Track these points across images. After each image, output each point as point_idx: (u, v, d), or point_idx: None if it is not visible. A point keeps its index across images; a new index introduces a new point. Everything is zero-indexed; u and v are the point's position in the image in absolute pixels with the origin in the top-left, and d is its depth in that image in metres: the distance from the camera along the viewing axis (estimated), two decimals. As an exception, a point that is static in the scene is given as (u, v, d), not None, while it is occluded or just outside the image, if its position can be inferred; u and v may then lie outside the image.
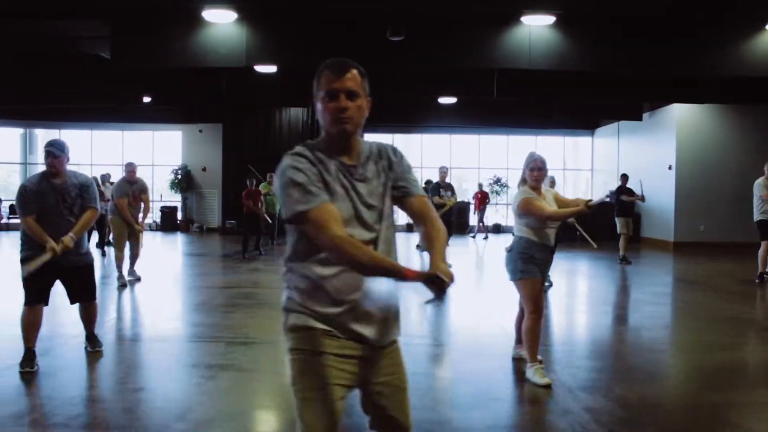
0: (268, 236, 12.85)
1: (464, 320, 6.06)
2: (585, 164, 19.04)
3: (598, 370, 4.44)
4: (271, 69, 11.60)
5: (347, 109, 1.77)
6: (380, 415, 1.91)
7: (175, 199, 18.15)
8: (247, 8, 8.86)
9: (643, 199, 10.30)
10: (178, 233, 17.18)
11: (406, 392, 1.94)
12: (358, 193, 1.81)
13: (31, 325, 4.14)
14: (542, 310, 4.05)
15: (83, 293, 4.48)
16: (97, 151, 18.17)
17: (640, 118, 15.02)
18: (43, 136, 18.23)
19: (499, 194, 18.47)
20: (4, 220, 17.16)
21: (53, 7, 8.73)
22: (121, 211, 7.76)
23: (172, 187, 17.80)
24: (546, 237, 4.04)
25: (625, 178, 11.23)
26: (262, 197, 11.83)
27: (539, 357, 4.04)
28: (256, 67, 11.33)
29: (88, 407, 3.56)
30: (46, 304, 4.22)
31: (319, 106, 1.82)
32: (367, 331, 1.80)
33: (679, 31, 9.27)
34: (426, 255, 1.84)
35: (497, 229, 18.32)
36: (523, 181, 4.15)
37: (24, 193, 4.10)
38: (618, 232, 10.73)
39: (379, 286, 1.78)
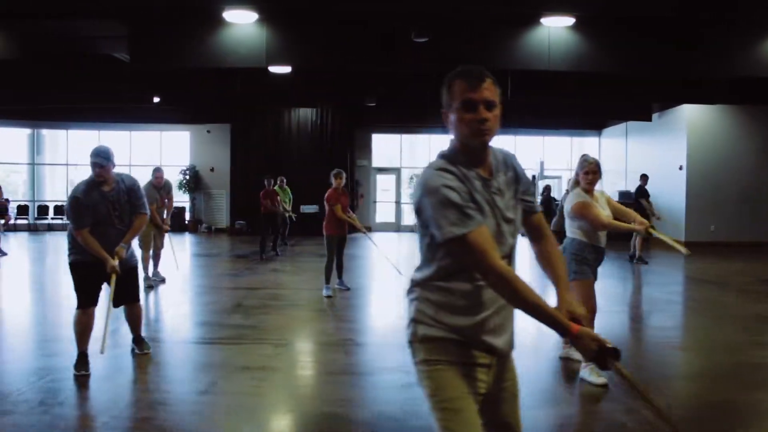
0: (281, 237, 12.83)
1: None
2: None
3: (643, 369, 4.47)
4: (285, 70, 11.61)
5: (487, 120, 1.75)
6: (497, 421, 1.93)
7: (183, 200, 18.10)
8: (267, 9, 8.87)
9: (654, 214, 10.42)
10: (187, 234, 17.15)
11: (518, 398, 1.97)
12: (498, 207, 1.79)
13: (85, 328, 4.15)
14: (595, 311, 4.09)
15: (128, 295, 4.48)
16: (104, 152, 18.09)
17: (649, 119, 15.11)
18: (50, 136, 18.17)
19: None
20: (12, 221, 17.08)
21: (70, 7, 8.71)
22: (152, 217, 7.75)
23: (180, 188, 17.73)
24: (598, 239, 4.08)
25: (644, 178, 11.30)
26: (278, 197, 11.83)
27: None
28: (270, 68, 11.36)
29: (155, 410, 3.56)
30: (96, 306, 4.23)
31: (452, 117, 1.79)
32: (498, 341, 1.82)
33: (696, 32, 9.34)
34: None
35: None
36: (576, 183, 4.18)
37: (77, 205, 4.07)
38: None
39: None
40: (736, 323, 6.06)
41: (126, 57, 10.36)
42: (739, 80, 11.95)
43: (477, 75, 1.78)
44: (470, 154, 1.80)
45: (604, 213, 4.05)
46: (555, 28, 9.20)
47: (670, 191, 14.42)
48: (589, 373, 3.99)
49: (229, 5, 8.66)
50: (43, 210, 17.51)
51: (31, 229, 17.31)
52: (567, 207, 4.16)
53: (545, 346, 4.79)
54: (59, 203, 17.54)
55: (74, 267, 4.22)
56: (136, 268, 4.54)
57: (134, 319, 4.62)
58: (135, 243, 4.69)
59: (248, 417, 3.46)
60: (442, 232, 1.69)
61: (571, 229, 4.13)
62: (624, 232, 4.15)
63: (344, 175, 7.77)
